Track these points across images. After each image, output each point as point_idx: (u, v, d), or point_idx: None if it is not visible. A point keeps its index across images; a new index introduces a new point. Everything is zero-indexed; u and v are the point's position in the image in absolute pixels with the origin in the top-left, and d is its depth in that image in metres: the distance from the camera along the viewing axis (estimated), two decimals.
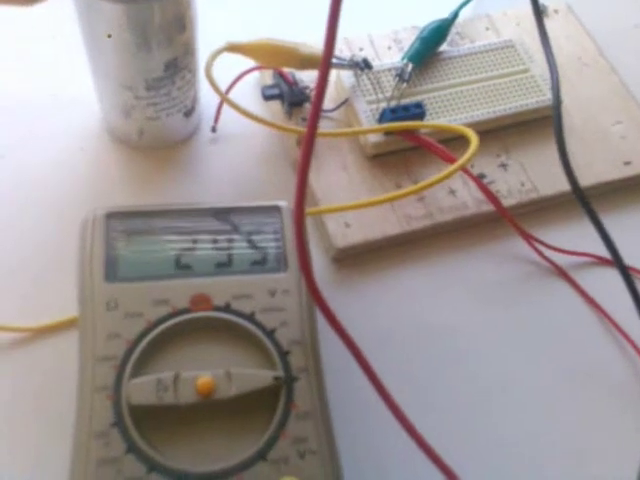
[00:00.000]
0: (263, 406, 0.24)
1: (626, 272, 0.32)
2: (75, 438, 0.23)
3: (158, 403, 0.23)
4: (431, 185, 0.31)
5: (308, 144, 0.23)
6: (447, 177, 0.31)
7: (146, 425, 0.23)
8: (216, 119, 0.35)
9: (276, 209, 0.28)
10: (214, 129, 0.36)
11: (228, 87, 0.34)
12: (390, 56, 0.39)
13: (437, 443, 0.24)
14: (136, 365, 0.24)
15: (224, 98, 0.33)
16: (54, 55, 0.37)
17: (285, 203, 0.28)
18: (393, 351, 0.31)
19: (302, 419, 0.24)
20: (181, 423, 0.24)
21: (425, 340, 0.32)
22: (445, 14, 0.40)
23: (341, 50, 0.38)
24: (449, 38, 0.39)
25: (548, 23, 0.42)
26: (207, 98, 0.35)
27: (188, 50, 0.31)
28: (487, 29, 0.41)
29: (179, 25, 0.29)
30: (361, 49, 0.39)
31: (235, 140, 0.36)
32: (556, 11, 0.43)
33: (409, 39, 0.39)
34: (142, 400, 0.23)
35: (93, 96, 0.34)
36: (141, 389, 0.23)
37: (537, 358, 0.32)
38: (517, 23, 0.41)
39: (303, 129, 0.34)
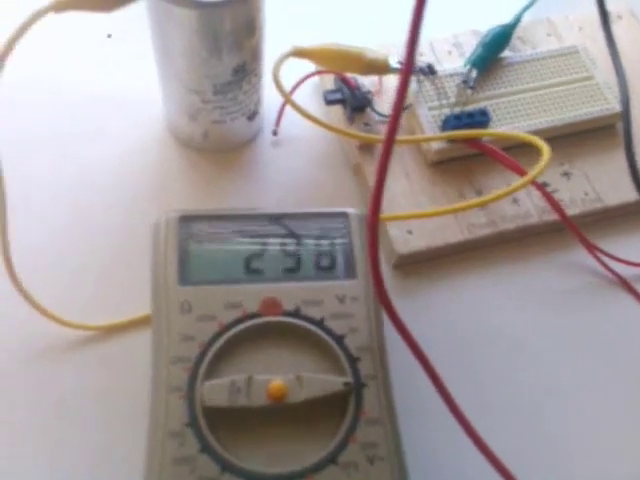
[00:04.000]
0: (332, 411, 0.24)
1: None
2: (150, 437, 0.24)
3: (231, 405, 0.24)
4: (498, 198, 0.31)
5: (386, 152, 0.23)
6: (516, 190, 0.31)
7: (219, 426, 0.24)
8: (277, 122, 0.36)
9: (344, 215, 0.28)
10: (275, 132, 0.36)
11: (291, 90, 0.35)
12: (451, 61, 0.38)
13: (502, 451, 0.24)
14: (209, 367, 0.24)
15: (289, 100, 0.33)
16: (114, 54, 0.38)
17: (353, 210, 0.29)
18: (455, 359, 0.31)
19: (371, 425, 0.24)
20: (252, 425, 0.24)
21: (487, 348, 0.32)
22: (503, 17, 0.40)
23: (401, 55, 0.38)
24: (511, 43, 0.39)
25: (612, 29, 0.41)
26: (269, 102, 0.36)
27: (256, 55, 0.31)
28: (549, 35, 0.40)
29: (248, 30, 0.30)
30: (421, 54, 0.39)
31: (296, 143, 0.36)
32: (619, 17, 0.42)
33: (469, 44, 0.39)
34: (216, 402, 0.24)
35: (157, 96, 0.35)
36: (215, 391, 0.24)
37: (598, 368, 0.32)
38: (579, 28, 0.41)
39: (366, 135, 0.34)
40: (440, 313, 0.32)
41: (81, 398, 0.29)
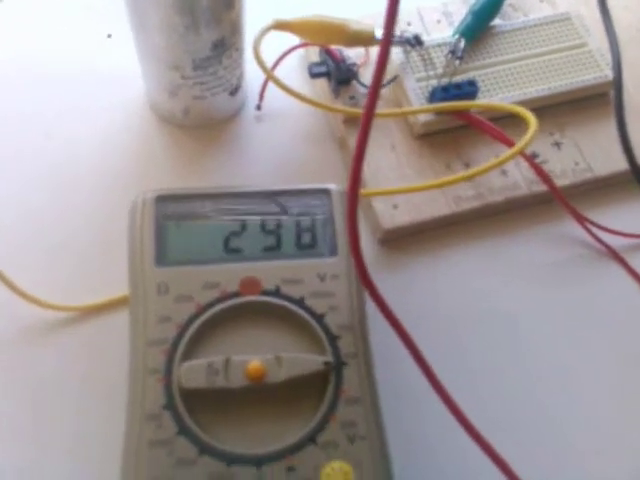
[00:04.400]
0: (312, 391, 0.24)
1: None
2: (127, 420, 0.24)
3: (209, 387, 0.23)
4: (486, 171, 0.31)
5: (364, 131, 0.23)
6: (503, 163, 0.30)
7: (197, 408, 0.23)
8: (261, 97, 0.35)
9: (326, 192, 0.28)
10: (259, 107, 0.35)
11: (273, 64, 0.34)
12: (440, 30, 0.37)
13: (486, 427, 0.24)
14: (187, 349, 0.24)
15: (270, 76, 0.32)
16: (92, 28, 0.37)
17: (335, 186, 0.28)
18: (441, 334, 0.30)
19: (351, 404, 0.24)
20: (231, 406, 0.24)
21: (474, 322, 0.31)
22: None
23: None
24: (502, 11, 0.38)
25: None
26: (252, 76, 0.35)
27: (235, 29, 0.30)
28: (541, 1, 0.39)
29: (227, 4, 0.29)
30: (409, 23, 0.37)
31: (280, 118, 0.35)
32: None
33: (459, 12, 0.38)
34: (193, 384, 0.23)
35: (136, 72, 0.34)
36: (192, 373, 0.24)
37: (588, 341, 0.31)
38: None
39: (350, 109, 0.34)
40: (426, 288, 0.32)
41: (60, 380, 0.29)
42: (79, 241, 0.31)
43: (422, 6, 0.38)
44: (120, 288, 0.29)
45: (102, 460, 0.25)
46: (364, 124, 0.22)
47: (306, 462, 0.23)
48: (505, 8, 0.38)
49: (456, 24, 0.37)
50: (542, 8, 0.39)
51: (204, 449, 0.23)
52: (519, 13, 0.38)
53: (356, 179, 0.23)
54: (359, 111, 0.33)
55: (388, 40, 0.21)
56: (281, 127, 0.35)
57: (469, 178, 0.31)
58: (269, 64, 0.33)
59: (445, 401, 0.24)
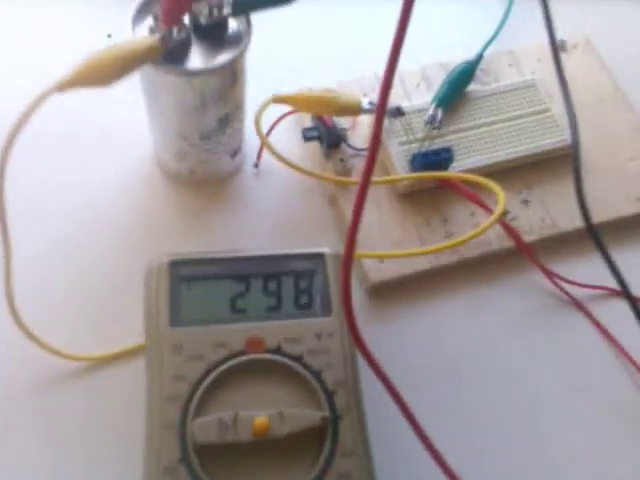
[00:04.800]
0: (311, 442, 0.27)
1: (634, 302, 0.35)
2: (146, 470, 0.26)
3: (220, 442, 0.26)
4: (467, 240, 0.34)
5: (358, 208, 0.25)
6: (481, 234, 0.34)
7: (208, 460, 0.26)
8: (258, 157, 0.38)
9: (320, 256, 0.31)
10: (257, 165, 0.38)
11: (268, 129, 0.37)
12: (419, 93, 0.41)
13: (469, 468, 0.27)
14: (199, 404, 0.27)
15: (267, 145, 0.36)
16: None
17: (328, 250, 0.31)
18: (425, 378, 0.34)
19: (346, 457, 0.27)
20: (239, 458, 0.27)
21: (453, 367, 0.35)
22: (469, 48, 0.42)
23: (374, 88, 0.41)
24: (475, 75, 0.41)
25: (567, 59, 0.44)
26: (251, 135, 0.37)
27: (238, 105, 0.33)
28: (510, 65, 0.43)
29: (232, 86, 0.32)
30: (392, 87, 0.41)
31: (276, 175, 0.38)
32: (575, 46, 0.45)
33: (437, 76, 0.41)
34: (206, 439, 0.26)
35: (146, 133, 0.37)
36: (204, 429, 0.26)
37: (554, 382, 0.35)
38: (538, 59, 0.43)
39: (336, 178, 0.37)
40: (411, 335, 0.35)
41: (76, 426, 0.31)
42: (93, 295, 0.34)
43: (403, 71, 0.42)
44: (131, 339, 0.32)
45: None
46: (354, 218, 0.25)
47: None
48: (478, 73, 0.42)
49: (434, 88, 0.41)
50: (510, 73, 0.43)
51: None
52: (490, 78, 0.42)
53: (350, 249, 0.26)
54: (347, 179, 0.37)
55: (377, 140, 0.25)
56: (277, 184, 0.38)
57: (453, 247, 0.35)
58: (266, 126, 0.36)
59: (429, 450, 0.27)
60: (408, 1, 0.23)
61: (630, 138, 0.42)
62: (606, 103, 0.43)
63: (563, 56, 0.43)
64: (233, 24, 0.31)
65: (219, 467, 0.26)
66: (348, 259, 0.26)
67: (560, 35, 0.44)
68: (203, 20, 0.30)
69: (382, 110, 0.24)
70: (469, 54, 0.42)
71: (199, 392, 0.27)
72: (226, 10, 0.30)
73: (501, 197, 0.34)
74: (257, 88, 0.35)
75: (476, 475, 0.28)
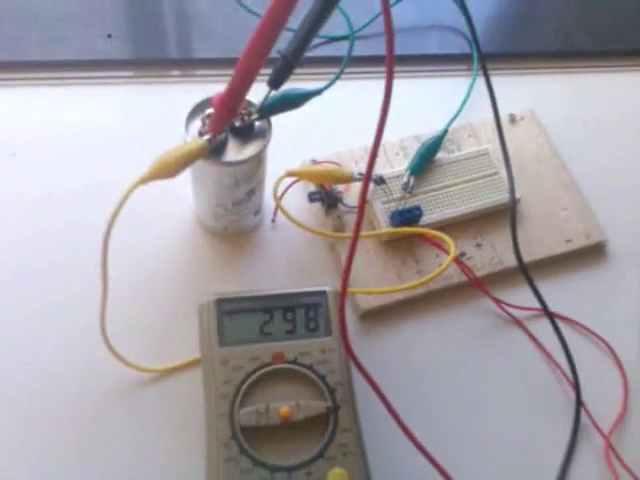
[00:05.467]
0: (320, 424, 0.39)
1: (552, 318, 0.47)
2: (208, 446, 0.38)
3: (257, 424, 0.38)
4: (434, 277, 0.47)
5: (350, 257, 0.37)
6: (441, 273, 0.46)
7: (251, 437, 0.38)
8: (275, 215, 0.50)
9: (323, 293, 0.42)
10: (273, 220, 0.50)
11: (282, 194, 0.48)
12: (398, 161, 0.53)
13: (436, 448, 0.39)
14: (241, 400, 0.39)
15: (281, 208, 0.47)
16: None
17: (329, 288, 0.43)
18: (403, 383, 0.46)
19: (344, 432, 0.39)
20: (270, 435, 0.38)
21: (424, 374, 0.47)
22: (438, 121, 0.54)
23: (362, 157, 0.53)
24: (442, 145, 0.53)
25: (515, 129, 0.56)
26: (269, 197, 0.49)
27: (261, 180, 0.45)
28: (470, 136, 0.55)
29: (258, 169, 0.44)
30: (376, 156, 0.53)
31: (288, 228, 0.50)
32: (522, 118, 0.57)
33: (412, 147, 0.53)
34: (247, 423, 0.38)
35: (186, 199, 0.49)
36: (246, 416, 0.38)
37: (500, 384, 0.47)
38: (492, 129, 0.55)
39: (333, 234, 0.49)
40: (391, 349, 0.47)
41: (152, 423, 0.43)
42: (157, 323, 0.46)
43: (385, 142, 0.54)
44: (185, 356, 0.44)
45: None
46: (346, 269, 0.37)
47: (318, 469, 0.38)
48: (445, 142, 0.54)
49: (410, 155, 0.53)
50: (470, 142, 0.55)
51: (256, 463, 0.37)
52: (454, 146, 0.54)
53: (344, 289, 0.38)
54: (341, 235, 0.49)
55: (362, 211, 0.37)
56: (289, 235, 0.50)
57: (424, 284, 0.47)
58: (280, 190, 0.48)
59: (404, 431, 0.39)
60: (385, 107, 0.35)
61: (563, 192, 0.54)
62: (545, 165, 0.55)
63: (512, 127, 0.56)
64: (258, 123, 0.43)
65: (258, 442, 0.38)
66: (343, 295, 0.38)
67: (512, 109, 0.57)
68: (237, 124, 0.42)
69: (366, 186, 0.36)
70: (438, 126, 0.55)
71: (241, 391, 0.39)
72: (254, 116, 0.42)
73: (451, 246, 0.46)
74: (273, 158, 0.47)
75: (438, 449, 0.39)
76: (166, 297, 0.47)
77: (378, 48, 0.58)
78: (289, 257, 0.50)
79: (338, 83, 0.50)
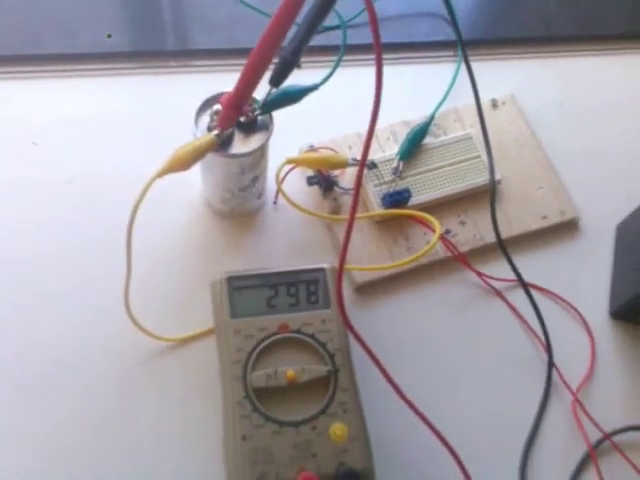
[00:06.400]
0: (322, 385, 0.44)
1: (526, 288, 0.53)
2: (224, 404, 0.44)
3: (267, 386, 0.44)
4: (423, 254, 0.52)
5: (347, 237, 0.42)
6: (428, 251, 0.51)
7: (262, 396, 0.44)
8: (276, 198, 0.54)
9: (322, 270, 0.48)
10: (275, 202, 0.55)
11: (282, 178, 0.53)
12: (389, 145, 0.57)
13: (423, 403, 0.44)
14: (253, 364, 0.44)
15: (282, 192, 0.52)
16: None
17: (327, 265, 0.48)
18: (395, 350, 0.51)
19: (343, 392, 0.44)
20: (279, 395, 0.44)
21: (413, 340, 0.52)
22: (425, 106, 0.59)
23: (355, 142, 0.57)
24: (429, 129, 0.58)
25: (497, 113, 0.61)
26: (272, 181, 0.54)
27: (264, 169, 0.50)
28: (455, 120, 0.59)
29: (261, 159, 0.48)
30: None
31: (289, 209, 0.54)
32: (503, 102, 0.61)
33: (402, 132, 0.58)
34: (259, 384, 0.44)
35: (196, 179, 0.53)
36: (257, 378, 0.44)
37: (481, 348, 0.52)
38: (476, 113, 0.59)
39: (330, 215, 0.54)
40: (384, 319, 0.52)
41: (169, 386, 0.49)
42: (174, 296, 0.51)
43: (377, 128, 0.57)
44: (200, 326, 0.50)
45: (207, 433, 0.45)
46: (343, 249, 0.42)
47: (322, 424, 0.43)
48: (432, 127, 0.58)
49: (399, 140, 0.57)
50: (455, 126, 0.59)
51: (267, 418, 0.43)
52: (440, 130, 0.59)
53: (341, 266, 0.43)
54: (337, 217, 0.54)
55: (356, 203, 0.41)
56: (290, 215, 0.54)
57: (413, 261, 0.52)
58: (280, 175, 0.53)
59: (395, 389, 0.44)
60: (377, 100, 0.39)
61: (539, 172, 0.58)
62: (524, 147, 0.59)
63: (494, 112, 0.61)
64: (261, 117, 0.48)
65: (268, 401, 0.44)
66: (340, 272, 0.43)
67: (494, 93, 0.61)
68: (242, 119, 0.47)
69: (360, 177, 0.41)
70: (425, 111, 0.59)
71: (252, 357, 0.44)
72: (257, 111, 0.47)
73: (437, 226, 0.51)
74: (273, 144, 0.50)
75: (425, 404, 0.44)
76: (181, 273, 0.52)
77: (368, 37, 0.62)
78: (290, 236, 0.55)
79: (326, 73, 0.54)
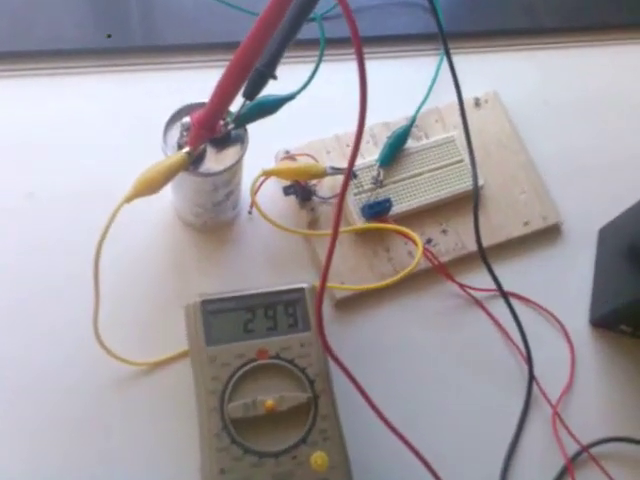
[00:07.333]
0: (302, 413, 0.43)
1: (506, 297, 0.52)
2: (201, 435, 0.42)
3: (245, 416, 0.42)
4: (409, 272, 0.50)
5: (327, 264, 0.40)
6: (412, 269, 0.50)
7: (240, 427, 0.42)
8: (251, 207, 0.52)
9: (301, 290, 0.46)
10: (250, 212, 0.53)
11: (256, 189, 0.50)
12: (368, 150, 0.55)
13: (404, 423, 0.43)
14: (230, 394, 0.43)
15: (256, 205, 0.49)
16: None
17: (307, 284, 0.46)
18: (374, 363, 0.50)
19: (324, 419, 0.43)
20: (258, 425, 0.43)
21: (393, 354, 0.51)
22: (405, 106, 0.56)
23: (335, 148, 0.55)
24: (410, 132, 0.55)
25: (480, 112, 0.59)
26: (246, 192, 0.51)
27: (238, 184, 0.48)
28: (436, 121, 0.57)
29: (236, 175, 0.46)
30: (347, 145, 0.55)
31: (264, 219, 0.53)
32: (486, 100, 0.59)
33: (381, 134, 0.55)
34: (236, 415, 0.42)
35: (167, 190, 0.50)
36: (235, 409, 0.42)
37: (462, 360, 0.52)
38: (458, 113, 0.57)
39: (307, 231, 0.52)
40: (364, 334, 0.51)
41: (140, 411, 0.47)
42: (141, 316, 0.49)
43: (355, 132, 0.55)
44: (171, 349, 0.48)
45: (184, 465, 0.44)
46: (326, 264, 0.40)
47: (302, 453, 0.42)
48: (412, 129, 0.56)
49: (379, 143, 0.55)
50: (436, 127, 0.57)
51: (246, 450, 0.42)
52: (422, 132, 0.56)
53: (322, 288, 0.41)
54: (314, 232, 0.51)
55: (338, 225, 0.39)
56: (266, 226, 0.52)
57: (402, 279, 0.50)
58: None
59: (380, 417, 0.43)
60: (362, 112, 0.37)
61: (522, 175, 0.57)
62: (506, 148, 0.58)
63: (477, 110, 0.58)
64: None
65: (246, 431, 0.42)
66: (320, 298, 0.41)
67: (476, 89, 0.59)
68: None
69: (345, 189, 0.39)
70: (406, 110, 0.57)
71: (230, 387, 0.43)
72: (230, 125, 0.44)
73: (419, 245, 0.50)
74: (247, 149, 0.48)
75: (407, 424, 0.44)
76: (151, 292, 0.50)
77: (344, 30, 0.58)
78: (266, 248, 0.53)
79: (304, 68, 0.51)
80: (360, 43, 0.32)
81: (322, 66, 0.58)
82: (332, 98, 0.57)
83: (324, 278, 0.41)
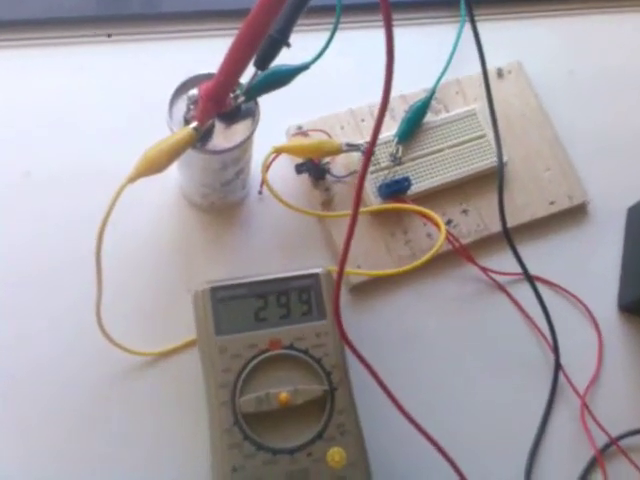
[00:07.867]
0: (318, 406, 0.41)
1: (531, 281, 0.49)
2: (212, 433, 0.40)
3: (258, 411, 0.40)
4: (429, 259, 0.47)
5: (345, 252, 0.37)
6: (434, 254, 0.46)
7: (252, 422, 0.40)
8: (261, 188, 0.49)
9: (316, 275, 0.43)
10: (260, 192, 0.49)
11: (266, 167, 0.47)
12: (386, 124, 0.51)
13: (425, 414, 0.41)
14: (242, 387, 0.40)
15: (267, 184, 0.46)
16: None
17: (321, 270, 0.43)
18: (392, 350, 0.48)
19: (341, 413, 0.41)
20: (271, 420, 0.40)
21: (412, 339, 0.48)
22: (424, 78, 0.53)
23: (348, 121, 0.51)
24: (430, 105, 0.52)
25: (502, 84, 0.55)
26: (257, 169, 0.48)
27: (248, 162, 0.44)
28: (457, 93, 0.54)
29: (245, 153, 0.43)
30: (363, 120, 0.52)
31: (275, 199, 0.50)
32: (509, 72, 0.55)
33: (399, 108, 0.52)
34: (248, 410, 0.40)
35: (173, 170, 0.47)
36: (247, 403, 0.40)
37: (484, 348, 0.49)
38: (479, 84, 0.54)
39: (321, 212, 0.49)
40: (382, 320, 0.49)
41: (145, 402, 0.45)
42: (148, 304, 0.46)
43: (372, 103, 0.52)
44: (177, 339, 0.45)
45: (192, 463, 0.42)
46: (345, 249, 0.37)
47: (318, 449, 0.40)
48: (432, 102, 0.52)
49: (397, 117, 0.52)
50: (457, 99, 0.53)
51: (259, 447, 0.39)
52: (441, 105, 0.53)
53: (340, 276, 0.38)
54: (328, 214, 0.48)
55: (359, 197, 0.36)
56: (277, 206, 0.49)
57: (422, 265, 0.47)
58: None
59: (399, 409, 0.41)
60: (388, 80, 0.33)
61: (547, 151, 0.54)
62: (531, 121, 0.54)
63: (500, 82, 0.55)
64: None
65: (259, 426, 0.40)
66: (338, 287, 0.38)
67: (498, 59, 0.55)
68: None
69: (366, 168, 0.36)
70: (424, 82, 0.53)
71: (241, 379, 0.40)
72: (241, 98, 0.41)
73: (442, 226, 0.46)
74: (258, 126, 0.45)
75: (428, 416, 0.41)
76: (157, 278, 0.47)
77: None
78: (277, 230, 0.49)
79: (316, 37, 0.47)
80: (389, 6, 0.29)
81: (335, 36, 0.55)
82: (346, 70, 0.54)
83: (342, 264, 0.38)
